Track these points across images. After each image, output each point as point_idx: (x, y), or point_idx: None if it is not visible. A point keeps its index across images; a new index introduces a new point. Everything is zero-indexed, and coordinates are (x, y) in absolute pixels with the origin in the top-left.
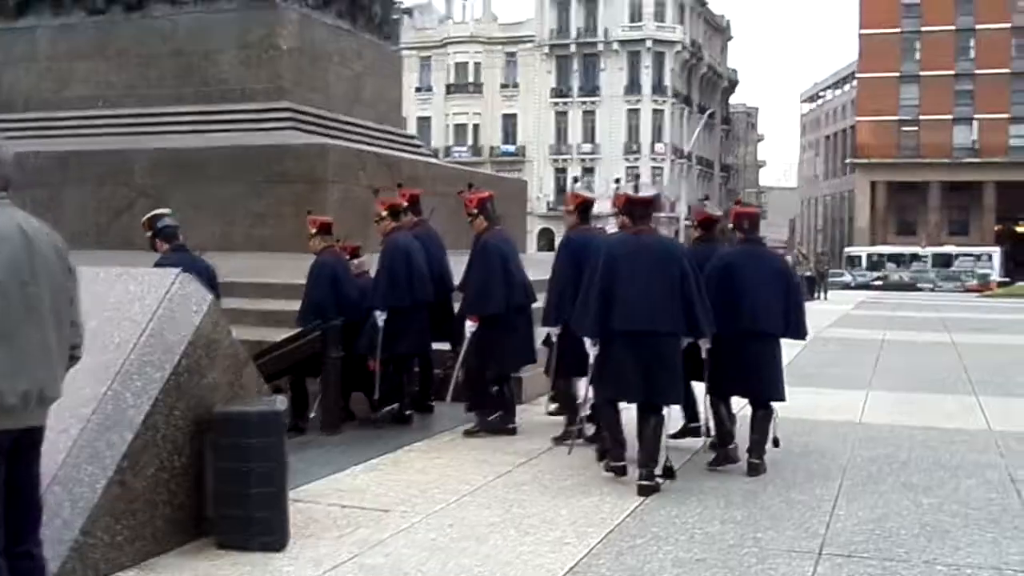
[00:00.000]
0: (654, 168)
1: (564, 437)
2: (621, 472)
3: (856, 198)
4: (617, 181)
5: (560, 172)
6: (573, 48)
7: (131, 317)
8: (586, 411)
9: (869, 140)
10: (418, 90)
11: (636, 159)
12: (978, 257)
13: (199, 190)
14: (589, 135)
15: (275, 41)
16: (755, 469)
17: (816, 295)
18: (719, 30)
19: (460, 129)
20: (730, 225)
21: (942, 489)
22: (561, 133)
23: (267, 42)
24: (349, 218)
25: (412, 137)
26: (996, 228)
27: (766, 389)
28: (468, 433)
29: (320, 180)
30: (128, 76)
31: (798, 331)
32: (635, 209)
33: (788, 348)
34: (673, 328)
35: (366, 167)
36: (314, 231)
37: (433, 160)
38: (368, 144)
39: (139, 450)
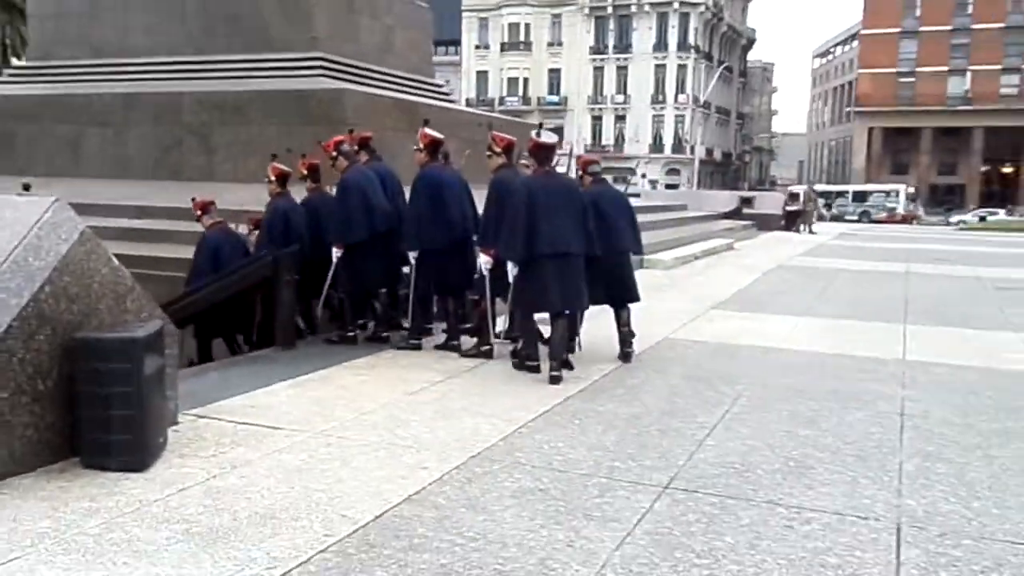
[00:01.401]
0: (676, 116)
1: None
2: (537, 369)
3: (854, 142)
4: (540, 125)
5: (596, 119)
6: (610, 10)
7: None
8: (498, 328)
9: (869, 90)
10: (477, 47)
11: (662, 108)
12: (887, 193)
13: (239, 130)
14: (622, 87)
15: None
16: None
17: (801, 228)
18: None
19: (512, 82)
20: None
21: (826, 421)
22: (598, 85)
23: None
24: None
25: (440, 86)
26: (983, 169)
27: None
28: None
29: (339, 122)
30: (182, 27)
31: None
32: (540, 153)
33: (744, 275)
34: (582, 250)
35: (382, 111)
36: (199, 213)
37: (454, 106)
38: (394, 91)
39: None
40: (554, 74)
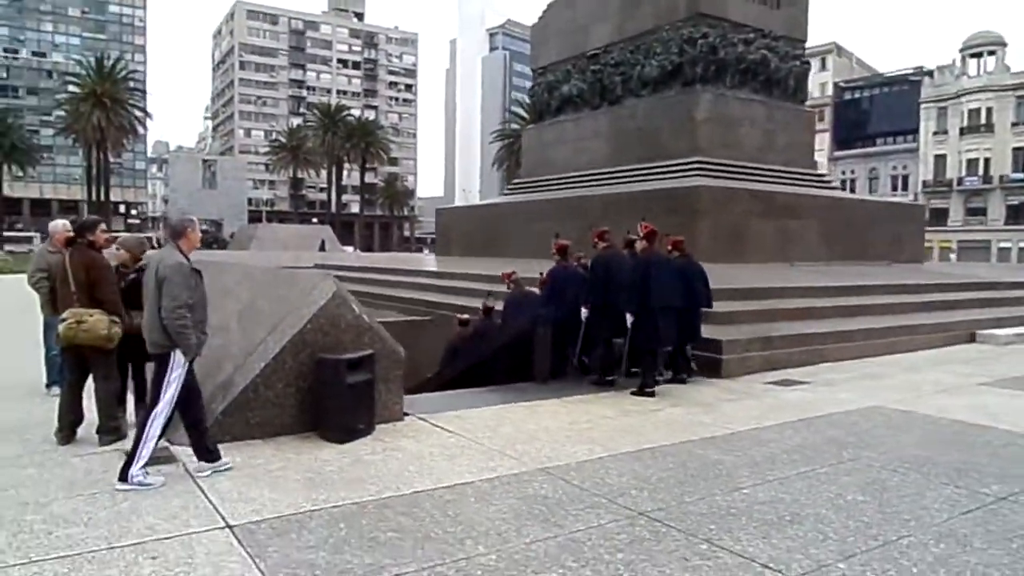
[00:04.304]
0: None
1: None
2: (653, 396)
3: None
4: (643, 218)
5: None
6: None
7: (293, 300)
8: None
9: None
10: (935, 133)
11: None
12: None
13: (625, 220)
14: None
15: (693, 115)
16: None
17: None
18: None
19: (972, 163)
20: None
21: (896, 492)
22: None
23: (687, 116)
24: (718, 238)
25: (821, 175)
26: None
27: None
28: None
29: (696, 211)
30: (611, 147)
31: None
32: (650, 235)
33: None
34: (686, 304)
35: (738, 200)
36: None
37: (821, 191)
38: (765, 183)
39: (270, 373)
40: (1019, 152)
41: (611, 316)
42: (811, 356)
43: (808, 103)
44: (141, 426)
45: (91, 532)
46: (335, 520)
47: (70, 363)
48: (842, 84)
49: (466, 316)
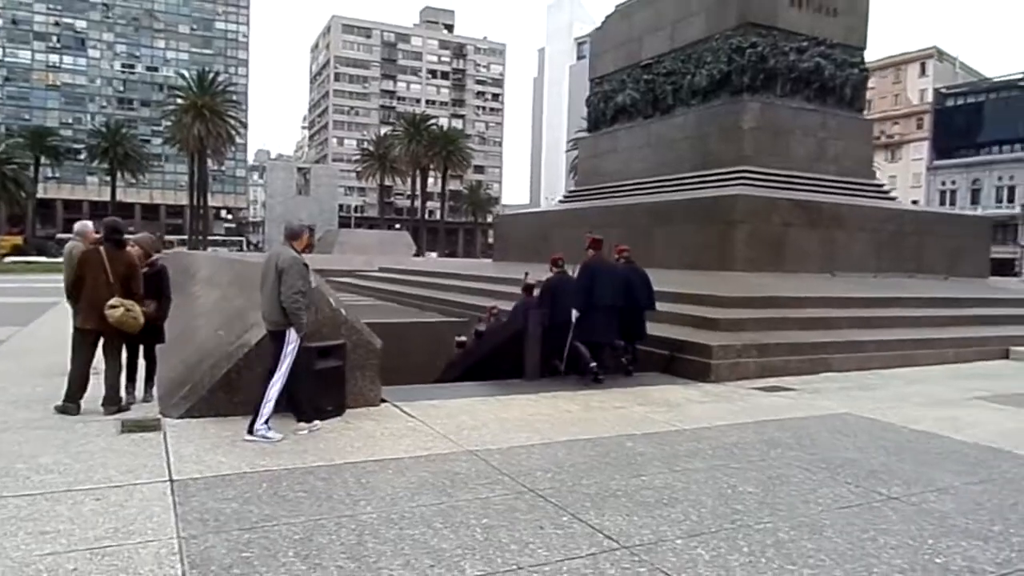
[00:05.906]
0: None
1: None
2: (600, 382)
3: None
4: (590, 230)
5: None
6: None
7: None
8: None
9: None
10: None
11: None
12: None
13: (668, 229)
14: None
15: (739, 124)
16: None
17: None
18: None
19: None
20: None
21: (786, 489)
22: None
23: (734, 125)
24: (756, 248)
25: (878, 185)
26: None
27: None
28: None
29: (732, 221)
30: (661, 156)
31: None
32: (595, 243)
33: None
34: (624, 304)
35: (779, 209)
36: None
37: (871, 202)
38: (820, 192)
39: (253, 357)
40: None
41: (557, 330)
42: (814, 365)
43: (911, 109)
44: (263, 390)
45: (60, 479)
46: (260, 480)
47: (89, 342)
48: (944, 90)
49: (464, 338)
